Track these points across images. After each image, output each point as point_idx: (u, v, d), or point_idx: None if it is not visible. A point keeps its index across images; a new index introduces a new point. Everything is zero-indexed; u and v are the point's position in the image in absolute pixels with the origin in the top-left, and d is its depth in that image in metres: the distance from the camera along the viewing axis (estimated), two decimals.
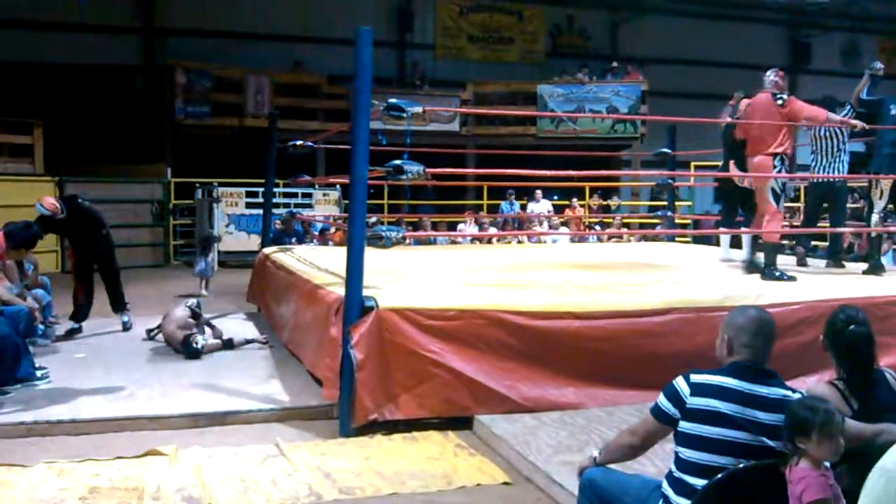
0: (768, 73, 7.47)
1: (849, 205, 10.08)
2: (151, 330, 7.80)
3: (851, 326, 3.08)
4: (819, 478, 2.51)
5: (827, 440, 2.52)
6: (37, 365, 6.23)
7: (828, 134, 8.02)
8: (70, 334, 7.95)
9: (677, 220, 13.38)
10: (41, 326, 7.49)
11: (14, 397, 5.69)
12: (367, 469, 4.60)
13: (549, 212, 16.64)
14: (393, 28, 20.14)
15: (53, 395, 5.79)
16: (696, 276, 7.30)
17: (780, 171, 7.18)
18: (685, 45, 21.71)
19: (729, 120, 8.24)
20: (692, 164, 15.30)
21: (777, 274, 7.08)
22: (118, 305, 8.36)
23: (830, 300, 6.02)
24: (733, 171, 8.16)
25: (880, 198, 7.86)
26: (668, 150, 10.64)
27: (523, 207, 17.14)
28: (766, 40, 22.93)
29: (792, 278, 7.06)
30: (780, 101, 7.12)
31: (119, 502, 4.09)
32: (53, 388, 5.99)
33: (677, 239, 12.36)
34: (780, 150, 7.16)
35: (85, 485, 4.29)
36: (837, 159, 8.01)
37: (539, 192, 16.67)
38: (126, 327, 8.29)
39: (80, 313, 8.09)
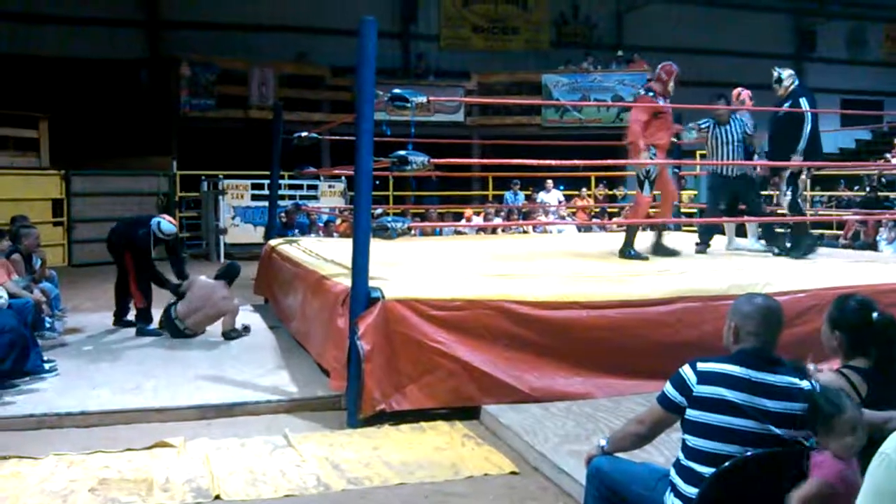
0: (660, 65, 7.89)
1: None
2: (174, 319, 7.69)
3: (874, 314, 3.05)
4: (836, 464, 2.51)
5: (850, 435, 2.52)
6: (45, 358, 6.25)
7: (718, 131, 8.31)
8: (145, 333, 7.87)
9: (683, 210, 13.33)
10: (49, 319, 7.52)
11: (23, 390, 5.71)
12: (374, 459, 4.61)
13: (559, 202, 16.61)
14: (397, 18, 20.11)
15: (62, 388, 5.81)
16: (702, 265, 7.29)
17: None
18: (690, 33, 21.64)
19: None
20: (697, 153, 15.25)
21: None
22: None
23: (837, 288, 6.01)
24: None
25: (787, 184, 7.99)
26: (674, 139, 10.60)
27: (528, 198, 17.11)
28: (772, 28, 22.86)
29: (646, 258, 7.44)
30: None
31: (128, 494, 4.11)
32: (61, 381, 6.01)
33: (683, 228, 12.32)
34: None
35: (94, 476, 4.31)
36: (735, 149, 8.24)
37: (550, 182, 16.63)
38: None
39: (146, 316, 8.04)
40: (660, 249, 8.09)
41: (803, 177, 8.26)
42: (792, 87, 7.94)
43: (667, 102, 7.75)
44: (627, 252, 7.78)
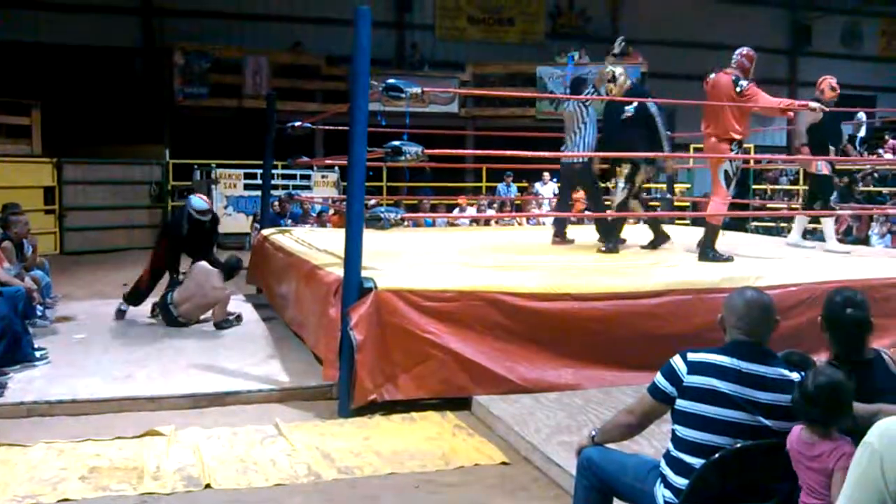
0: (738, 49, 7.32)
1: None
2: (169, 305, 7.66)
3: (849, 310, 3.08)
4: (847, 446, 2.51)
5: (838, 409, 2.53)
6: (36, 346, 6.24)
7: (573, 109, 8.17)
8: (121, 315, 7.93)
9: (676, 203, 13.37)
10: (40, 307, 7.49)
11: (13, 378, 5.69)
12: (365, 449, 4.62)
13: (554, 193, 16.59)
14: (392, 8, 20.05)
15: (53, 376, 5.80)
16: (693, 258, 7.30)
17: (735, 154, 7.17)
18: (685, 26, 21.64)
19: (801, 102, 7.92)
20: (691, 146, 15.28)
21: (712, 255, 7.07)
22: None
23: (829, 282, 6.04)
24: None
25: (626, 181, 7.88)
26: (668, 132, 10.60)
27: (521, 190, 17.11)
28: (767, 22, 22.86)
29: (729, 259, 7.03)
30: (738, 90, 6.96)
31: (119, 482, 4.10)
32: (53, 369, 6.00)
33: (676, 221, 12.35)
34: (738, 136, 7.11)
35: (85, 465, 4.31)
36: (582, 139, 8.12)
37: (547, 174, 16.62)
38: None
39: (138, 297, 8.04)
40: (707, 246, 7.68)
41: (642, 175, 8.00)
42: (628, 85, 7.87)
43: None
44: (708, 254, 7.08)
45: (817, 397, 2.58)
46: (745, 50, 7.23)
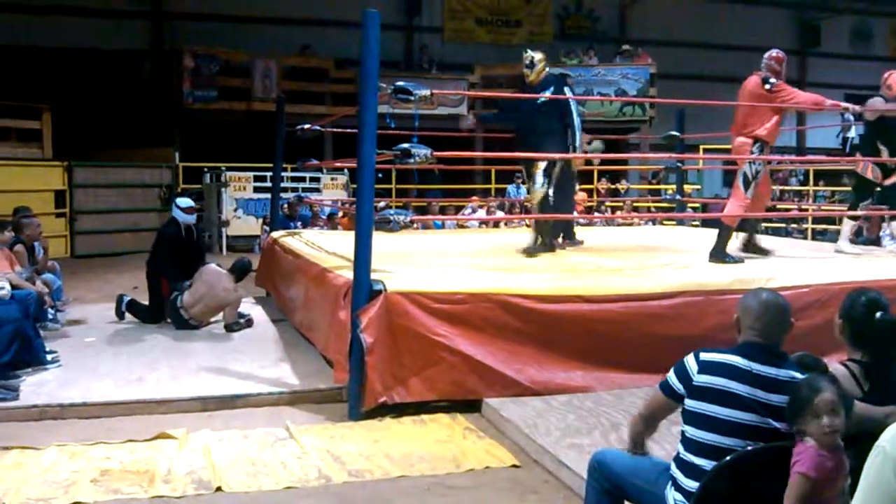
0: (767, 53, 7.24)
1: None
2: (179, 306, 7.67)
3: (879, 313, 3.07)
4: (817, 455, 2.50)
5: (827, 416, 2.51)
6: (47, 349, 6.27)
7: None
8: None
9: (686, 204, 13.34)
10: (51, 310, 7.52)
11: (25, 381, 5.71)
12: (376, 452, 4.62)
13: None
14: (400, 11, 20.06)
15: (64, 379, 5.82)
16: (704, 260, 7.28)
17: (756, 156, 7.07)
18: (693, 27, 21.61)
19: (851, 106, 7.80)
20: (701, 147, 15.24)
21: (723, 257, 7.01)
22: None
23: (840, 283, 6.03)
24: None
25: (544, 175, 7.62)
26: (677, 133, 10.60)
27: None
28: (775, 22, 22.79)
29: (740, 261, 6.98)
30: (768, 86, 6.93)
31: (130, 485, 4.12)
32: (64, 372, 6.02)
33: (685, 222, 12.32)
34: (761, 134, 7.01)
35: (96, 467, 4.32)
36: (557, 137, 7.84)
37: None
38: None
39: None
40: (751, 248, 7.59)
41: (556, 170, 7.76)
42: (545, 72, 7.67)
43: None
44: (721, 256, 7.02)
45: (790, 400, 2.63)
46: (774, 52, 7.17)
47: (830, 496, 2.51)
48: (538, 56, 7.74)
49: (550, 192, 7.76)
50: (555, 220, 7.99)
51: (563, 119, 7.52)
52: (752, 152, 7.04)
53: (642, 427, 3.15)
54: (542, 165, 7.57)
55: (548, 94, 7.44)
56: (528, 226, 9.77)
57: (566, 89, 7.59)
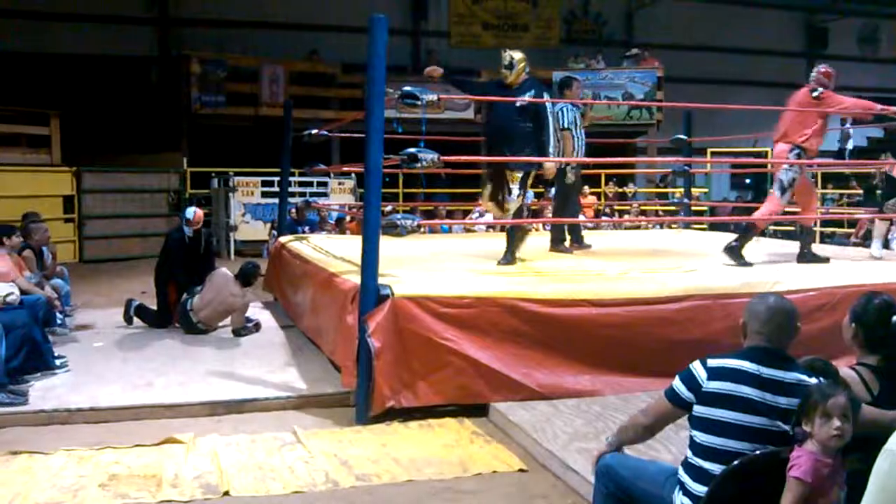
0: (815, 67, 7.33)
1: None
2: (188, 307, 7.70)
3: (895, 318, 3.05)
4: (814, 460, 2.50)
5: (837, 419, 2.51)
6: (56, 354, 6.29)
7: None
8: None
9: (693, 208, 13.32)
10: (60, 315, 7.55)
11: (34, 386, 5.73)
12: (383, 456, 4.62)
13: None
14: (407, 16, 20.09)
15: (72, 384, 5.84)
16: (712, 264, 7.27)
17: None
18: (700, 30, 21.57)
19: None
20: (708, 150, 15.23)
21: (737, 258, 7.02)
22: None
23: (847, 286, 6.01)
24: None
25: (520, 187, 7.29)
26: (685, 137, 10.58)
27: (539, 196, 17.05)
28: (783, 26, 22.75)
29: (748, 265, 6.96)
30: (815, 94, 6.99)
31: (138, 489, 4.13)
32: (72, 377, 6.05)
33: (693, 226, 12.30)
34: (800, 140, 7.01)
35: (104, 472, 4.34)
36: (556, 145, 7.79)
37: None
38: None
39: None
40: (808, 256, 7.46)
41: (531, 178, 7.54)
42: (525, 74, 7.39)
43: None
44: (735, 254, 7.04)
45: (801, 400, 2.63)
46: (822, 67, 7.26)
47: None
48: (518, 56, 7.42)
49: (525, 203, 7.57)
50: (526, 236, 7.74)
51: (539, 122, 7.21)
52: (790, 157, 7.04)
53: (641, 435, 3.12)
54: (518, 175, 7.19)
55: (527, 98, 7.17)
56: (536, 230, 9.67)
57: (546, 94, 7.41)
